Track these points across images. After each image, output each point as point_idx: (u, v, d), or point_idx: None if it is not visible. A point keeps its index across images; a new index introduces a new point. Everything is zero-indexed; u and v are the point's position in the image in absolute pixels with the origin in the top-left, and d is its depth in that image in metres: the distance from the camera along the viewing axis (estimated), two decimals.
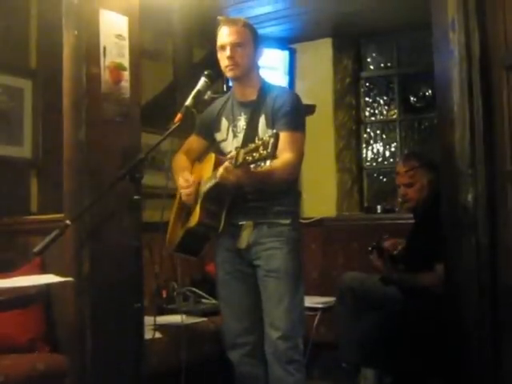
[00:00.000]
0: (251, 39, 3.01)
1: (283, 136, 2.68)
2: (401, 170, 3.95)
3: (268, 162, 2.47)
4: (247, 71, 3.01)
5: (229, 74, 3.02)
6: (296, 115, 2.95)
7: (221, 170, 2.70)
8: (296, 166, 2.92)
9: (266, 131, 2.89)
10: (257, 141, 2.46)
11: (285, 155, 2.77)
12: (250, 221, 2.97)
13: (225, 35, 2.98)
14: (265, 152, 2.40)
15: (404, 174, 3.91)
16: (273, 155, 2.42)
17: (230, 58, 2.96)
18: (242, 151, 2.51)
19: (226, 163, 2.66)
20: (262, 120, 2.96)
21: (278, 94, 3.00)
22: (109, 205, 2.99)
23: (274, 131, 2.54)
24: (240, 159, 2.51)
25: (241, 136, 3.00)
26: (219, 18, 3.06)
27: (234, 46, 2.96)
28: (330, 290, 4.44)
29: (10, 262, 3.42)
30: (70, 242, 3.00)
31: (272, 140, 2.39)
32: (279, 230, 2.95)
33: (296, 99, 3.03)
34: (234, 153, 2.60)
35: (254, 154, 2.44)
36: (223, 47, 2.99)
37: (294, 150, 2.85)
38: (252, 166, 2.63)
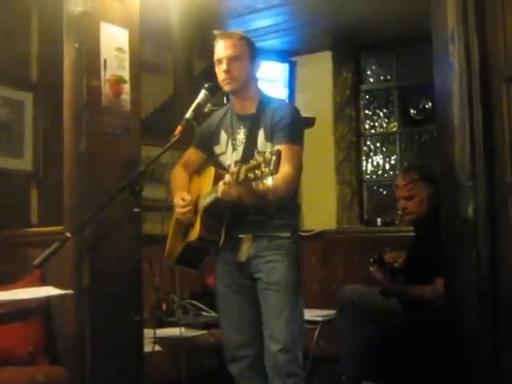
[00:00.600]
0: (248, 52, 3.00)
1: (282, 149, 2.66)
2: (400, 183, 3.95)
3: (270, 179, 2.45)
4: (245, 84, 3.00)
5: (226, 87, 3.00)
6: (295, 128, 2.94)
7: (222, 185, 2.67)
8: (295, 180, 2.91)
9: (265, 145, 2.89)
10: (258, 157, 2.43)
11: (284, 169, 2.72)
12: (249, 234, 2.96)
13: (221, 49, 2.97)
14: (267, 169, 2.37)
15: (403, 187, 3.91)
16: (275, 173, 2.41)
17: (227, 71, 2.94)
18: (244, 167, 2.48)
19: (228, 179, 2.61)
20: (261, 133, 2.95)
21: (277, 107, 2.99)
22: (109, 217, 2.99)
23: (276, 148, 2.51)
24: (242, 176, 2.48)
25: (240, 149, 2.99)
26: (215, 32, 3.04)
27: (231, 60, 2.94)
28: (330, 302, 4.42)
29: (10, 274, 3.42)
30: (70, 254, 3.00)
31: (274, 158, 2.36)
32: (279, 243, 2.94)
33: (295, 112, 3.02)
34: (234, 168, 2.57)
35: (256, 172, 2.41)
36: (220, 61, 2.97)
37: (292, 163, 2.83)
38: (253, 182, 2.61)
